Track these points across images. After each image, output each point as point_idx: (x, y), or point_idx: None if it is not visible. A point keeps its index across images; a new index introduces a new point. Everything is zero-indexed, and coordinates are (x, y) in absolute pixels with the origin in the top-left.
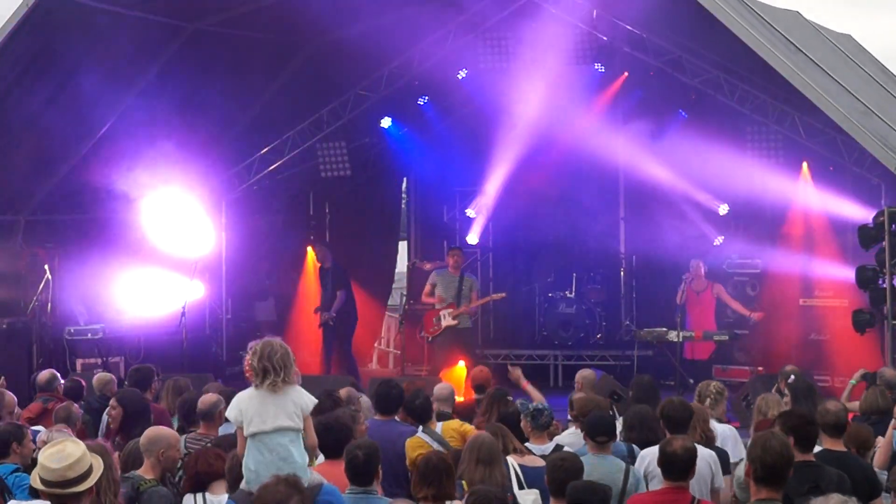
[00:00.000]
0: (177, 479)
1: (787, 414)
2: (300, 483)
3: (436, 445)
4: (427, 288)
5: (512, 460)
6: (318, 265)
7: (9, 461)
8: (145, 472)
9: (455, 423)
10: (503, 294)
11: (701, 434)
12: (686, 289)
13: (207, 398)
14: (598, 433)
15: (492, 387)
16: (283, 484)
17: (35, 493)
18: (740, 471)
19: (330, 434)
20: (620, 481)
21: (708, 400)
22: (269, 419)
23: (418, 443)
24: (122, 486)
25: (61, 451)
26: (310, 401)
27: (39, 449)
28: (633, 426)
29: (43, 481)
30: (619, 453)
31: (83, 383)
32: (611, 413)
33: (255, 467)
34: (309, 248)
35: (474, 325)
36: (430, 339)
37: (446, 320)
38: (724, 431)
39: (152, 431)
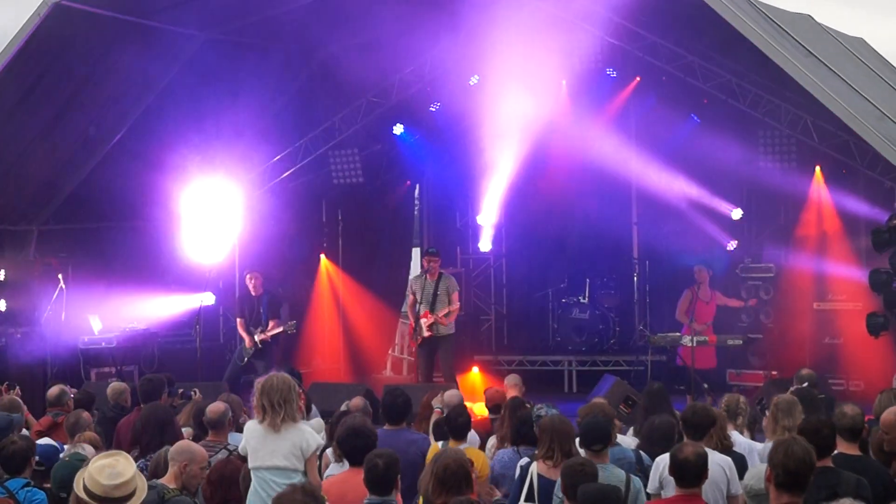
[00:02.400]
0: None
1: (802, 421)
2: (317, 492)
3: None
4: (410, 298)
5: (534, 468)
6: (250, 294)
7: (23, 476)
8: (168, 481)
9: (474, 451)
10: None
11: (717, 442)
12: (695, 297)
13: (215, 407)
14: (594, 441)
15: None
16: (300, 493)
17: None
18: (749, 479)
19: (357, 440)
20: (622, 492)
21: (740, 418)
22: (266, 457)
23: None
24: (149, 495)
25: (113, 467)
26: (313, 441)
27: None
28: (651, 440)
29: (88, 493)
30: (626, 460)
31: (93, 395)
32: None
33: (252, 500)
34: (322, 256)
35: (486, 331)
36: (415, 348)
37: (423, 332)
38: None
39: (183, 443)
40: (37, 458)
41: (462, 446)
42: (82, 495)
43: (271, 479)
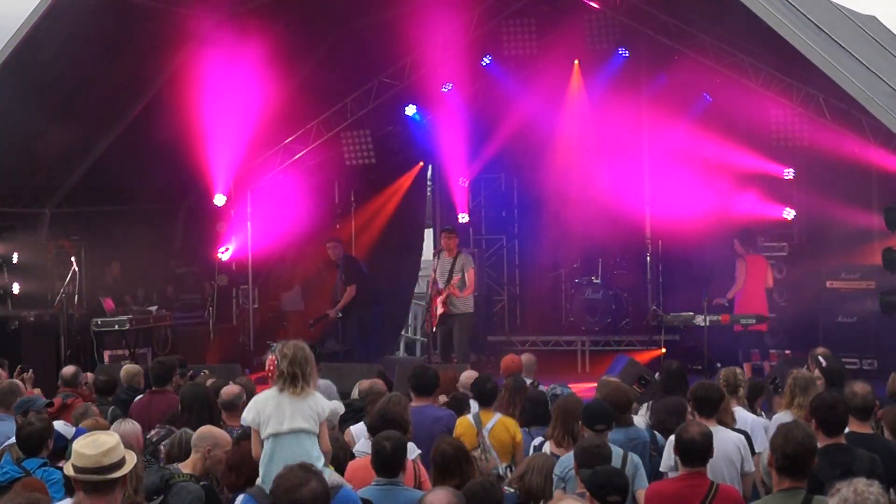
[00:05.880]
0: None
1: (813, 398)
2: (315, 467)
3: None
4: (432, 275)
5: (547, 448)
6: (332, 261)
7: (40, 456)
8: (185, 467)
9: (509, 421)
10: (473, 292)
11: (718, 420)
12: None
13: (230, 389)
14: (597, 422)
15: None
16: (299, 468)
17: (70, 489)
18: (765, 458)
19: (391, 426)
20: (619, 467)
21: (741, 390)
22: (285, 421)
23: (466, 423)
24: (153, 477)
25: (96, 440)
26: (327, 407)
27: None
28: (662, 418)
29: (77, 468)
30: (641, 440)
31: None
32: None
33: (270, 467)
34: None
35: (498, 311)
36: (433, 329)
37: (439, 308)
38: (755, 422)
39: (205, 429)
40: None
41: (494, 418)
42: (72, 474)
43: (290, 442)
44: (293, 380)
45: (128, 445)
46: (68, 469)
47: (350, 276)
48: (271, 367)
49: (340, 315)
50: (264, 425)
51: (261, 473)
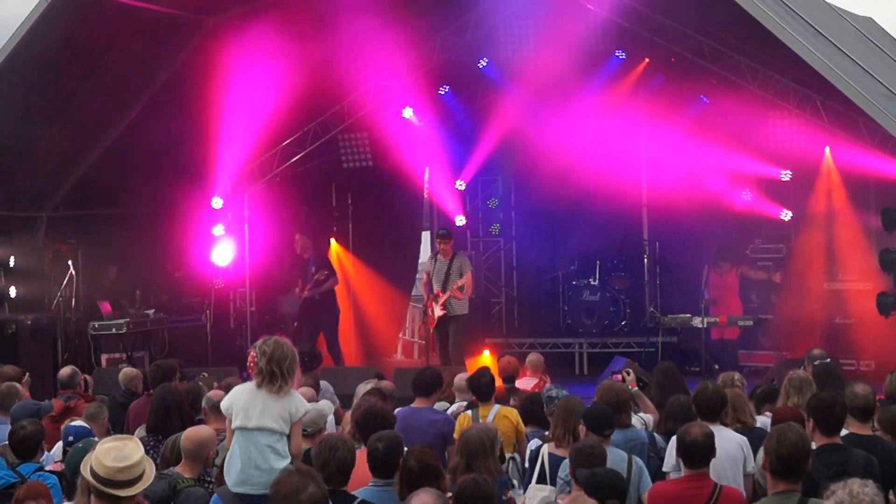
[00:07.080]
0: (210, 477)
1: (812, 397)
2: (312, 471)
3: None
4: (424, 277)
5: (545, 449)
6: (299, 255)
7: (34, 461)
8: (184, 471)
9: (508, 410)
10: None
11: (734, 420)
12: (710, 272)
13: (215, 393)
14: (604, 426)
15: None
16: (296, 475)
17: (69, 494)
18: (759, 460)
19: (374, 422)
20: (624, 472)
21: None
22: (253, 417)
23: (466, 419)
24: (159, 484)
25: (121, 450)
26: (303, 408)
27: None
28: (674, 416)
29: (92, 472)
30: (639, 441)
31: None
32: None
33: (233, 461)
34: (332, 240)
35: (496, 314)
36: (430, 330)
37: (437, 311)
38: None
39: (197, 435)
40: (70, 437)
41: (493, 410)
42: (88, 478)
43: (257, 440)
44: (271, 377)
45: None
46: (84, 469)
47: (329, 269)
48: (251, 363)
49: (309, 293)
50: (235, 416)
51: (224, 464)
